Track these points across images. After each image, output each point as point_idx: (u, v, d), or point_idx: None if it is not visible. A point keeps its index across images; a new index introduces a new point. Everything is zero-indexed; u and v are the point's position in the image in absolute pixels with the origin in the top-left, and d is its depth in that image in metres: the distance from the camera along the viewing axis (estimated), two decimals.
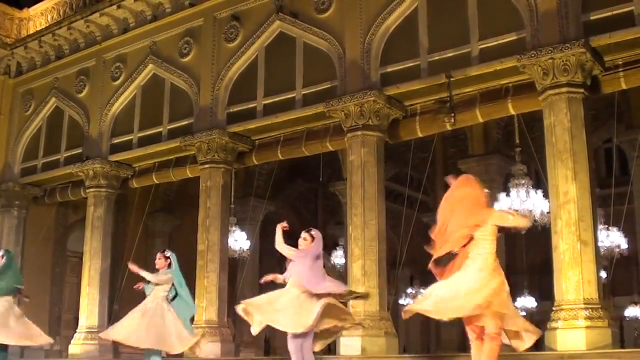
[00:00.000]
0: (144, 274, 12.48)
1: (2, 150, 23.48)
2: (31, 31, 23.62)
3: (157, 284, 12.41)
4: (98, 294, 20.02)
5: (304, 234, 10.47)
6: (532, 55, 13.40)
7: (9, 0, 24.38)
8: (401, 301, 30.87)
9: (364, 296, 13.24)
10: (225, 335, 17.42)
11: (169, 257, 12.59)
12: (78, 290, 21.05)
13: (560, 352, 12.17)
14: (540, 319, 24.52)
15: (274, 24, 17.74)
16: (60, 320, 24.05)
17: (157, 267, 12.57)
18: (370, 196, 15.33)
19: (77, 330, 20.08)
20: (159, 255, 12.63)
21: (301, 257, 10.31)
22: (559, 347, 12.30)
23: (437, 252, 8.65)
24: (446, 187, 9.17)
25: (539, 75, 13.42)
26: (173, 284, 12.46)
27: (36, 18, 23.90)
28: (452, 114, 14.86)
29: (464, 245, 8.52)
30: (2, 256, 13.81)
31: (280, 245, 10.57)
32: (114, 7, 20.61)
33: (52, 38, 22.47)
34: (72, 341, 19.97)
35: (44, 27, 23.11)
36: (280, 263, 11.39)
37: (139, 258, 13.43)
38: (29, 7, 24.27)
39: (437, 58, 15.10)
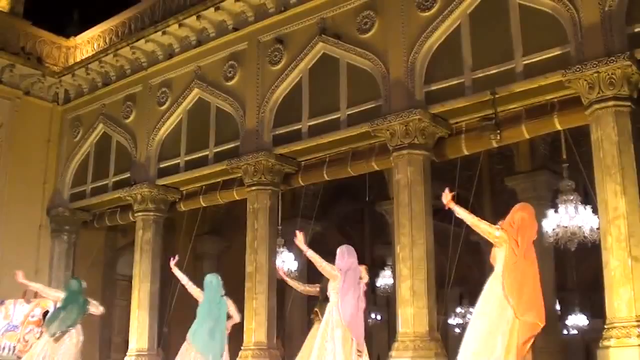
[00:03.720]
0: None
1: (51, 176, 23.81)
2: (78, 59, 23.95)
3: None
4: (148, 317, 20.15)
5: None
6: (577, 70, 13.28)
7: (56, 30, 24.76)
8: (450, 321, 30.69)
9: None
10: (275, 357, 17.42)
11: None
12: (128, 313, 21.18)
13: None
14: (592, 337, 24.29)
15: (317, 46, 17.82)
16: (110, 343, 24.24)
17: None
18: (418, 215, 15.27)
19: (127, 354, 20.22)
20: None
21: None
22: None
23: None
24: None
25: (584, 89, 13.31)
26: None
27: (83, 46, 24.23)
28: (498, 131, 14.78)
29: None
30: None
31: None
32: (159, 33, 20.85)
33: (98, 65, 22.78)
34: None
35: (90, 54, 23.44)
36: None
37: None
38: (75, 35, 24.61)
39: (481, 75, 15.05)
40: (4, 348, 17.38)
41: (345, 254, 10.68)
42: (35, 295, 17.85)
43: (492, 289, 8.43)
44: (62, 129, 24.28)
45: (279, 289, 18.58)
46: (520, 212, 8.60)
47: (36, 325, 17.28)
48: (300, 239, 10.54)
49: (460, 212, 8.68)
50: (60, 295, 13.90)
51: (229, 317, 12.69)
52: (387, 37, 16.54)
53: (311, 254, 10.45)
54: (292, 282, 12.65)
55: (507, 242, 8.40)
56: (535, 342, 8.40)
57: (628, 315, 12.27)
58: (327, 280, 10.83)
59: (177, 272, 12.93)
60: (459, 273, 16.72)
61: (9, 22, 23.47)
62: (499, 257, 8.51)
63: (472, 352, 8.24)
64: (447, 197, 8.69)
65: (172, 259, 13.10)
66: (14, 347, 17.28)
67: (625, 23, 13.43)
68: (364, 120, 16.35)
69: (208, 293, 12.47)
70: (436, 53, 15.90)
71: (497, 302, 8.29)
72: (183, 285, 13.04)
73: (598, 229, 14.85)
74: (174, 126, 20.95)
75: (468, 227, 8.77)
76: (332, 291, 10.55)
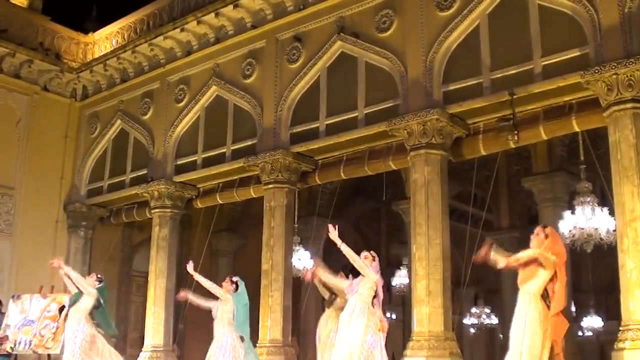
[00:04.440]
0: (208, 284, 12.82)
1: (69, 172, 23.91)
2: (96, 55, 24.07)
3: (222, 305, 12.70)
4: (163, 313, 20.23)
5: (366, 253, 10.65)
6: (596, 71, 13.24)
7: (75, 26, 24.85)
8: (466, 321, 30.66)
9: None
10: (290, 355, 17.45)
11: (235, 282, 12.84)
12: (144, 310, 21.29)
13: None
14: (607, 338, 24.22)
15: (335, 45, 17.82)
16: (126, 339, 24.29)
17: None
18: (434, 215, 15.25)
19: (142, 349, 20.29)
20: (227, 279, 12.92)
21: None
22: None
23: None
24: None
25: (603, 91, 13.27)
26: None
27: (101, 42, 24.33)
28: (516, 132, 14.76)
29: None
30: (99, 280, 13.94)
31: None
32: (177, 30, 20.90)
33: (117, 61, 22.86)
34: None
35: (109, 51, 23.52)
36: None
37: (204, 277, 13.56)
38: (94, 31, 24.71)
39: (499, 75, 15.01)
40: (20, 343, 17.40)
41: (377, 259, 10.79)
42: (52, 290, 17.92)
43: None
44: (80, 125, 24.40)
45: (295, 286, 18.61)
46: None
47: (52, 320, 17.29)
48: (334, 233, 10.56)
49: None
50: (92, 290, 13.88)
51: None
52: (406, 36, 16.52)
53: (345, 248, 10.47)
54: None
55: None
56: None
57: None
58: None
59: (198, 277, 12.98)
60: (475, 273, 16.69)
61: (28, 18, 23.59)
62: (542, 277, 8.91)
63: None
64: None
65: (188, 264, 13.18)
66: (30, 341, 17.30)
67: None
68: (382, 120, 16.35)
69: (246, 300, 12.72)
70: (454, 53, 15.87)
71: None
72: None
73: (614, 231, 14.80)
74: (191, 123, 21.00)
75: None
76: (362, 287, 10.56)
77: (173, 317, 20.52)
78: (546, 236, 9.01)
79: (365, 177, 18.65)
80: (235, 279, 12.98)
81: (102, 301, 13.63)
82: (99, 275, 13.92)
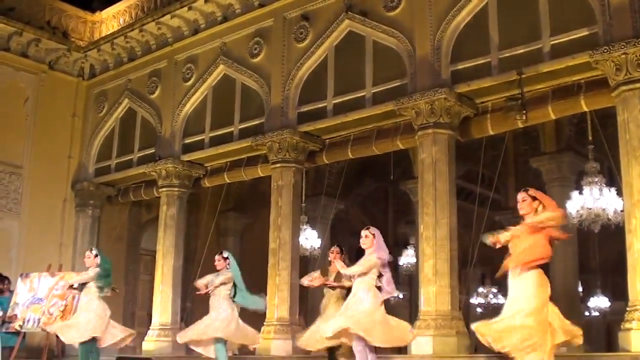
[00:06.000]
0: (211, 281, 12.81)
1: (76, 151, 23.93)
2: (104, 34, 23.99)
3: (222, 284, 12.76)
4: (171, 292, 20.30)
5: (364, 232, 10.58)
6: (605, 51, 13.16)
7: (82, 4, 24.78)
8: (473, 300, 30.70)
9: None
10: (297, 333, 17.46)
11: (227, 258, 12.88)
12: (151, 288, 21.33)
13: (634, 354, 11.93)
14: (614, 318, 24.21)
15: (343, 23, 17.76)
16: (134, 317, 24.38)
17: (217, 268, 12.88)
18: (442, 195, 15.23)
19: (150, 327, 20.39)
20: (217, 257, 12.95)
21: None
22: (633, 348, 12.05)
23: None
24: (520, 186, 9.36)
25: (611, 70, 13.21)
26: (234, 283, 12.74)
27: (108, 21, 24.27)
28: (524, 111, 14.68)
29: None
30: (96, 255, 13.98)
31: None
32: (185, 9, 20.84)
33: (124, 40, 22.81)
34: (145, 338, 20.24)
35: (116, 29, 23.47)
36: (350, 262, 11.39)
37: (211, 256, 13.57)
38: (101, 10, 24.66)
39: (508, 55, 14.95)
40: (28, 320, 17.42)
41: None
42: (60, 268, 17.96)
43: None
44: (87, 104, 24.38)
45: (302, 265, 18.65)
46: None
47: (60, 298, 17.31)
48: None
49: None
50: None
51: None
52: (414, 15, 16.45)
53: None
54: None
55: None
56: None
57: None
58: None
59: (216, 279, 12.99)
60: (482, 253, 16.68)
61: None
62: None
63: None
64: None
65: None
66: (39, 319, 17.33)
67: None
68: (390, 99, 16.31)
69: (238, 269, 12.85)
70: (463, 32, 15.81)
71: None
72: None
73: (622, 211, 14.78)
74: (199, 102, 20.98)
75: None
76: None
77: (181, 296, 20.58)
78: (534, 198, 8.79)
79: (372, 156, 18.60)
80: (226, 254, 13.04)
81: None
82: None
